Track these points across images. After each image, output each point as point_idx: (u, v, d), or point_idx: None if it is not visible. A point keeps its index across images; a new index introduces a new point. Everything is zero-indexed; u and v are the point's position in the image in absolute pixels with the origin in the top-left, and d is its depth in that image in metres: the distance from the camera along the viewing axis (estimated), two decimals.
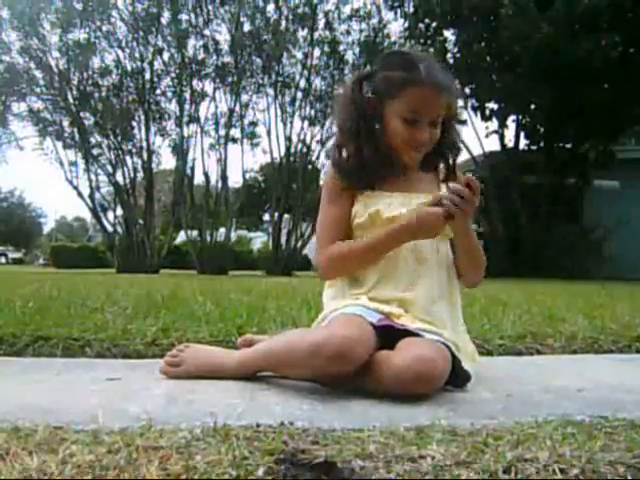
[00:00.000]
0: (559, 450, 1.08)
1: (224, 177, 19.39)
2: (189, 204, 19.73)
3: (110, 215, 20.37)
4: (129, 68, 19.11)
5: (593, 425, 1.32)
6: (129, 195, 19.29)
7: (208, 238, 19.17)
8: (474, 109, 16.56)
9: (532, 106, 16.28)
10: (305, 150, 19.53)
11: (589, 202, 16.60)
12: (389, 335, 1.77)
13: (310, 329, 1.97)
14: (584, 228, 15.94)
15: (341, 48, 19.27)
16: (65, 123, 19.56)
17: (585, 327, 3.06)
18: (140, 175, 19.68)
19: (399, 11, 17.38)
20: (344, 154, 2.04)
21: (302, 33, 19.15)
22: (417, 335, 1.75)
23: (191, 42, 19.05)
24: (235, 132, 19.75)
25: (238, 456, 1.03)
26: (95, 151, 19.46)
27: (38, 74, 18.92)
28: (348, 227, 2.01)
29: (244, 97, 19.52)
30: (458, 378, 1.78)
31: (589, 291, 7.04)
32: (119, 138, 19.17)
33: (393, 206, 1.95)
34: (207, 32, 18.87)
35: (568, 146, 16.73)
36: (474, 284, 2.08)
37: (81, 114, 18.95)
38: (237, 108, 19.32)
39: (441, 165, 2.08)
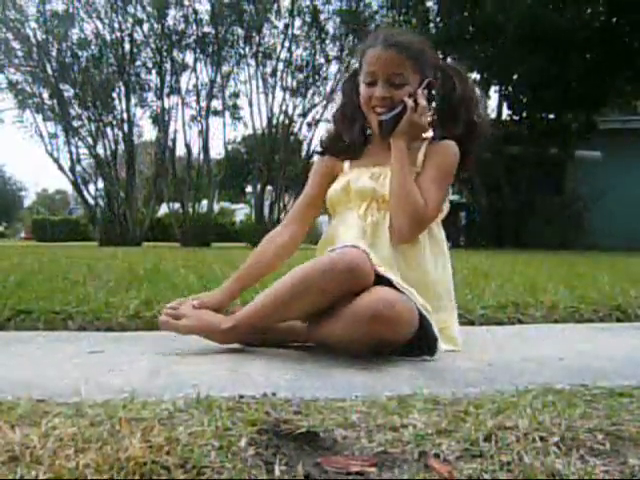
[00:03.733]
0: (539, 418, 1.09)
1: (206, 149, 19.27)
2: (171, 176, 19.59)
3: (91, 188, 20.10)
4: (108, 39, 18.84)
5: (573, 393, 1.33)
6: (110, 167, 19.07)
7: (190, 210, 19.09)
8: None
9: (515, 76, 16.25)
10: (287, 122, 19.43)
11: (571, 173, 16.63)
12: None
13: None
14: (566, 198, 16.01)
15: (322, 17, 19.06)
16: (45, 95, 19.24)
17: (566, 297, 3.09)
18: (121, 147, 19.45)
19: None
20: (328, 136, 2.22)
21: (284, 3, 18.96)
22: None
23: (171, 12, 18.77)
24: (217, 103, 19.64)
25: (221, 427, 1.03)
26: (75, 123, 19.20)
27: (16, 45, 18.59)
28: (314, 207, 2.19)
29: (225, 68, 19.33)
30: (428, 340, 1.77)
31: (570, 261, 7.10)
32: (99, 110, 18.93)
33: (361, 180, 2.04)
34: (187, 2, 18.61)
35: (551, 116, 16.75)
36: (401, 235, 1.95)
37: (60, 86, 18.65)
38: (218, 79, 19.15)
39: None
